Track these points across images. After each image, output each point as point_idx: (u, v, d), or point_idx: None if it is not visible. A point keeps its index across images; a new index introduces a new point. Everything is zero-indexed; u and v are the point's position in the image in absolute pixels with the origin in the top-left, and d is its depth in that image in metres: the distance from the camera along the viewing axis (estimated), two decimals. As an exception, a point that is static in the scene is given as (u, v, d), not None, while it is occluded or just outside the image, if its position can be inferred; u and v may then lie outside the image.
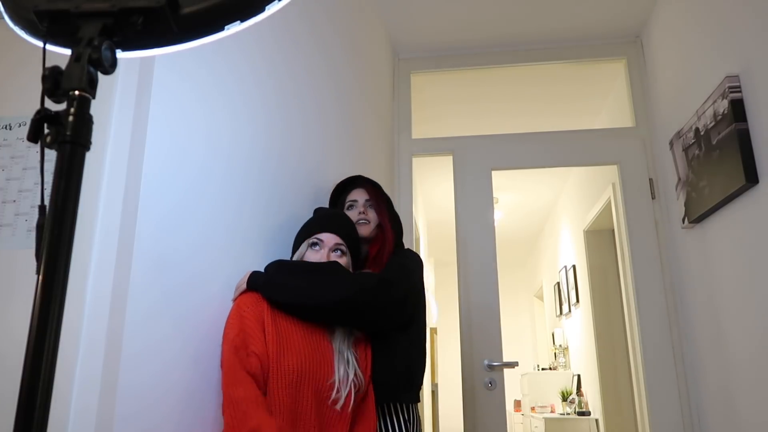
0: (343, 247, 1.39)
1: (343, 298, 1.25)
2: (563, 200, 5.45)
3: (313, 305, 1.25)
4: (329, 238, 1.38)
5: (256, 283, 1.28)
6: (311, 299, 1.25)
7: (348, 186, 1.70)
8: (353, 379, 1.28)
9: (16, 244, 1.03)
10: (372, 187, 1.65)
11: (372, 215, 1.61)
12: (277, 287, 1.26)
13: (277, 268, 1.31)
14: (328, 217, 1.42)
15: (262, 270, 1.36)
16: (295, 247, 1.44)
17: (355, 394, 1.28)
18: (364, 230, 1.58)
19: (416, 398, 1.45)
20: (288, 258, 1.50)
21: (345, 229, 1.42)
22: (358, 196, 1.65)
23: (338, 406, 1.24)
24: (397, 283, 1.35)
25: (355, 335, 1.37)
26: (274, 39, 1.61)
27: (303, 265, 1.32)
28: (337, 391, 1.24)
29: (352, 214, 1.60)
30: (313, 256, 1.37)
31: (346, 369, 1.28)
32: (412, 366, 1.43)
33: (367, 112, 2.60)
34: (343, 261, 1.38)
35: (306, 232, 1.41)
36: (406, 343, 1.43)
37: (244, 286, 1.28)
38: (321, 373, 1.23)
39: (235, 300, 1.28)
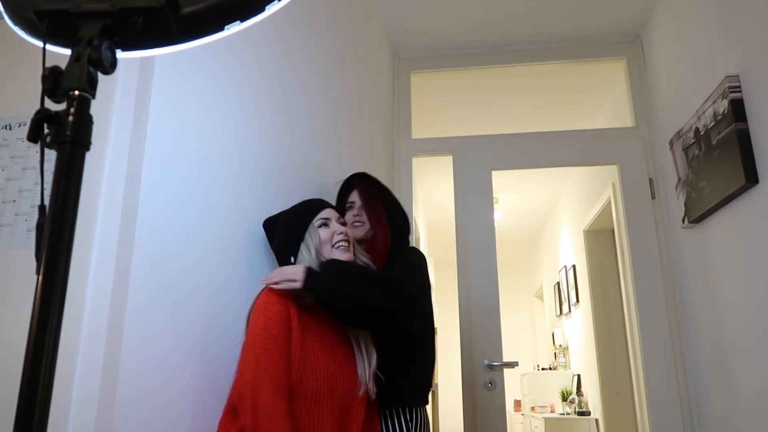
0: (342, 220, 1.40)
1: (394, 307, 1.27)
2: (563, 200, 5.45)
3: (368, 315, 1.26)
4: (331, 214, 1.38)
5: (317, 286, 1.21)
6: (370, 308, 1.25)
7: (349, 186, 1.71)
8: (373, 372, 1.31)
9: (16, 244, 1.02)
10: (363, 190, 1.66)
11: (365, 217, 1.62)
12: (340, 295, 1.22)
13: (339, 272, 1.25)
14: (318, 200, 1.42)
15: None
16: (297, 236, 1.35)
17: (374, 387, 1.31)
18: (358, 232, 1.60)
19: (422, 402, 1.45)
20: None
21: (332, 206, 1.43)
22: (355, 198, 1.66)
23: (366, 394, 1.28)
24: (412, 285, 1.36)
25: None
26: (274, 38, 1.61)
27: (362, 271, 1.30)
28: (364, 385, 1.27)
29: (348, 216, 1.63)
30: (327, 233, 1.34)
31: (366, 367, 1.29)
32: (419, 369, 1.43)
33: (367, 112, 2.60)
34: (347, 229, 1.39)
35: (306, 217, 1.36)
36: (414, 344, 1.43)
37: (298, 284, 1.20)
38: (345, 391, 1.24)
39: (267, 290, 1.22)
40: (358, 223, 1.61)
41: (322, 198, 1.47)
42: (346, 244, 1.35)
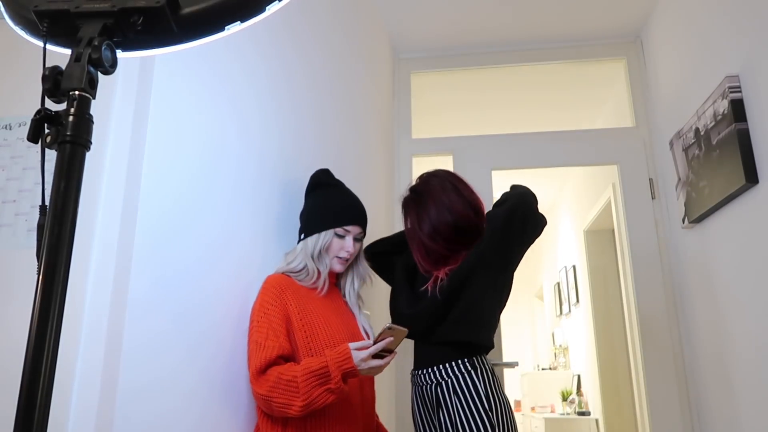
0: (361, 235, 1.53)
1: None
2: (563, 200, 5.45)
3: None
4: (354, 231, 1.50)
5: None
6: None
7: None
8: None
9: (16, 244, 1.03)
10: (406, 209, 1.75)
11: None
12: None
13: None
14: (358, 210, 1.53)
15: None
16: (318, 224, 1.48)
17: None
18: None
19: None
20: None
21: (366, 220, 1.55)
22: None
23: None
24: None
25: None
26: (273, 38, 1.61)
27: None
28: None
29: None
30: (338, 244, 1.47)
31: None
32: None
33: (367, 112, 2.60)
34: (358, 247, 1.52)
35: (334, 219, 1.48)
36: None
37: None
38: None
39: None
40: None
41: (360, 202, 1.57)
42: (346, 261, 1.50)
